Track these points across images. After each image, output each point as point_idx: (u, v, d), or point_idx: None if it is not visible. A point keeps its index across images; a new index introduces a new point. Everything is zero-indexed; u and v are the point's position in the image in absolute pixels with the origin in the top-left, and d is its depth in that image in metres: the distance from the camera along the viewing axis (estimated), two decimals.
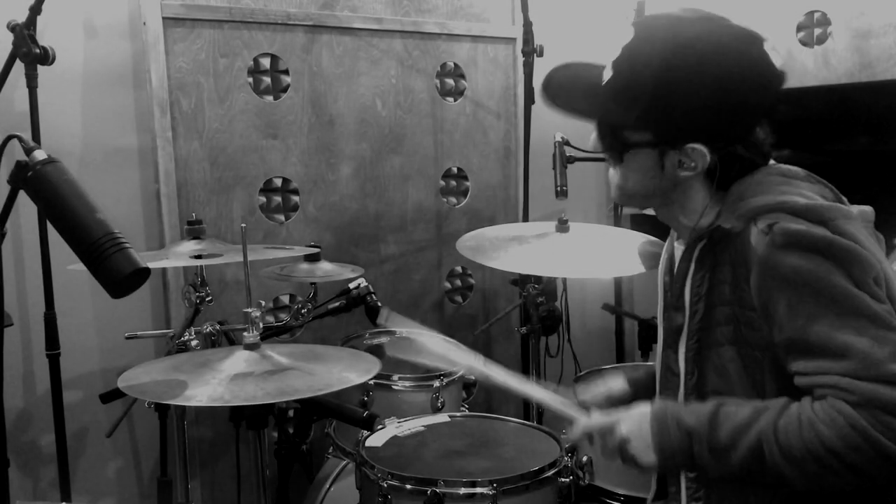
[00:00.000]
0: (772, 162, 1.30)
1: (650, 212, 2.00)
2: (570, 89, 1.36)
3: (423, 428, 1.86)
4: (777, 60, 1.24)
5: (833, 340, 1.09)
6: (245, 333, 1.48)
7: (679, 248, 1.38)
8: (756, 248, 1.15)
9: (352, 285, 2.25)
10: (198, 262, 1.94)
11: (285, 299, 2.65)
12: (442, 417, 1.94)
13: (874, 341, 1.07)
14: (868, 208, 1.26)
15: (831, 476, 1.08)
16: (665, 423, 1.20)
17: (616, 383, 1.60)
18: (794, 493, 1.18)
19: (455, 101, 2.94)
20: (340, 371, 1.45)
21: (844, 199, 1.28)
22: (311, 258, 2.28)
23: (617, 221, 3.07)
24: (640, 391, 1.56)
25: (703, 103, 1.22)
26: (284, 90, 2.58)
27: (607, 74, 1.29)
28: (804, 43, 2.72)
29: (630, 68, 1.25)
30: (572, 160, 2.41)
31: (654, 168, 1.28)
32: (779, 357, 1.16)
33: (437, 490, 1.53)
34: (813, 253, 1.11)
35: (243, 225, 1.54)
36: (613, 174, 1.36)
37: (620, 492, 2.01)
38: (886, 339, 1.07)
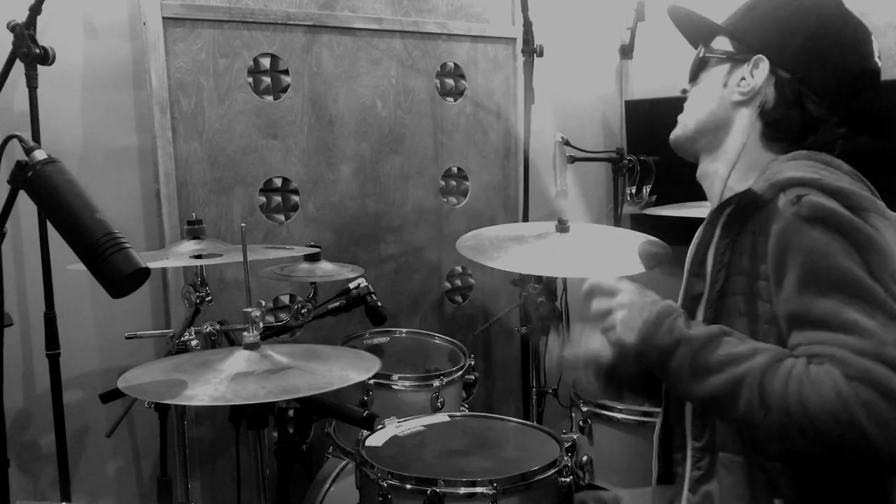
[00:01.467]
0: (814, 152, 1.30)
1: (650, 212, 2.01)
2: (692, 15, 1.44)
3: (423, 428, 1.86)
4: (876, 58, 1.28)
5: (840, 315, 1.07)
6: (245, 333, 1.49)
7: None
8: (782, 214, 1.14)
9: (352, 285, 2.25)
10: (198, 262, 1.94)
11: (285, 299, 2.65)
12: (442, 417, 1.94)
13: (881, 325, 1.05)
14: None
15: (797, 436, 1.06)
16: (662, 319, 1.19)
17: (598, 342, 1.55)
18: (799, 482, 1.18)
19: (455, 101, 2.94)
20: (341, 370, 1.45)
21: (882, 203, 1.27)
22: (311, 258, 2.28)
23: (617, 221, 3.07)
24: (622, 357, 1.54)
25: (792, 22, 1.27)
26: (284, 90, 2.58)
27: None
28: None
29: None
30: (572, 160, 2.42)
31: (718, 86, 1.33)
32: (782, 332, 1.15)
33: (437, 490, 1.54)
34: (836, 231, 1.10)
35: (243, 225, 1.54)
36: (685, 107, 1.40)
37: (620, 492, 2.01)
38: (893, 328, 1.05)
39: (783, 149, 1.29)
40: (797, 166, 1.22)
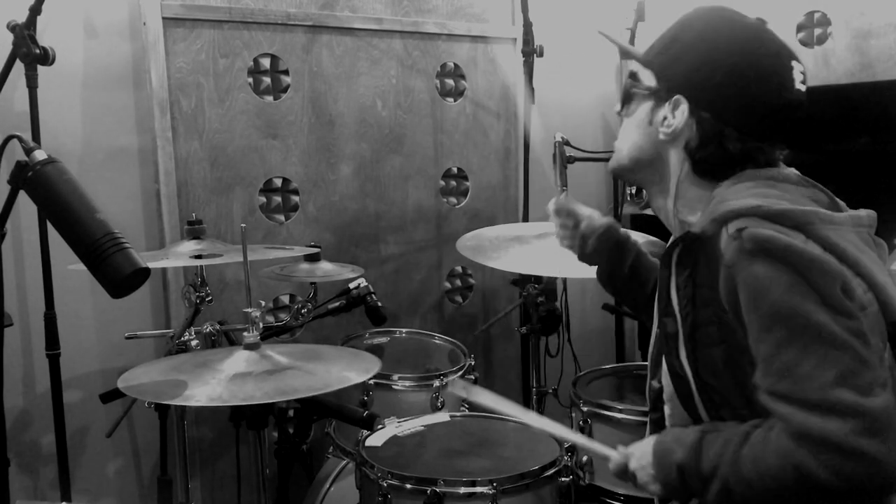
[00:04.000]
0: (760, 169, 1.28)
1: (650, 212, 2.00)
2: (624, 47, 1.44)
3: (423, 428, 1.86)
4: (798, 82, 1.25)
5: (779, 357, 1.07)
6: (245, 333, 1.49)
7: None
8: (725, 250, 1.14)
9: (352, 285, 2.25)
10: (198, 262, 1.94)
11: (285, 299, 2.65)
12: (442, 417, 1.94)
13: (819, 363, 1.04)
14: (866, 213, 1.24)
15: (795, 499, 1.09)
16: (663, 460, 1.22)
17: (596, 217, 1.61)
18: None
19: (455, 101, 2.94)
20: (340, 370, 1.45)
21: (841, 202, 1.26)
22: (311, 258, 2.28)
23: (617, 221, 3.06)
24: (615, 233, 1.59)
25: (711, 60, 1.25)
26: (284, 90, 2.58)
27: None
28: (804, 43, 2.72)
29: (682, 26, 1.32)
30: (572, 160, 2.42)
31: (644, 121, 1.32)
32: (753, 358, 1.15)
33: (437, 490, 1.54)
34: (778, 262, 1.09)
35: (243, 225, 1.54)
36: (619, 136, 1.39)
37: (620, 492, 2.01)
38: (835, 361, 1.04)
39: (720, 179, 1.27)
40: (739, 192, 1.21)
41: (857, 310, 1.08)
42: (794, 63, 1.25)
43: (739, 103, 1.24)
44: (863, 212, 1.24)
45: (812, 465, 1.03)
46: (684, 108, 1.26)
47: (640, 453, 1.28)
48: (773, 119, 1.26)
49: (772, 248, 1.09)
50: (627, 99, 1.36)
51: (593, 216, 1.60)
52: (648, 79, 1.32)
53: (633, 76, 1.36)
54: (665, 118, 1.28)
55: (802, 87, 1.26)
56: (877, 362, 1.06)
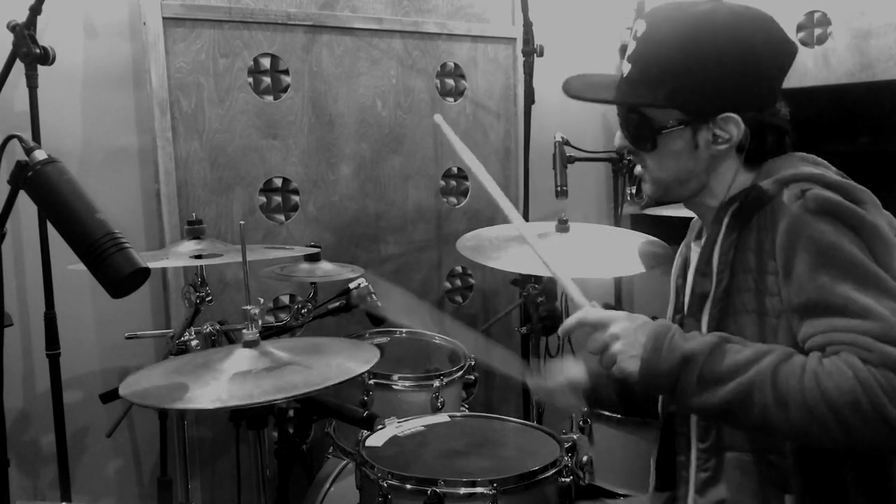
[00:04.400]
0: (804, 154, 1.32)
1: (650, 212, 2.01)
2: (592, 85, 1.38)
3: (423, 428, 1.86)
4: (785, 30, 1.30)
5: (855, 302, 1.08)
6: (244, 331, 1.48)
7: (696, 250, 1.38)
8: (788, 208, 1.16)
9: (352, 285, 2.25)
10: (198, 262, 1.94)
11: (285, 299, 2.65)
12: (442, 417, 1.94)
13: (892, 311, 1.06)
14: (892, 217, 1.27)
15: (820, 430, 1.05)
16: (661, 341, 1.16)
17: (575, 370, 1.58)
18: (808, 476, 1.18)
19: (455, 101, 2.94)
20: (340, 363, 1.45)
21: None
22: (311, 258, 2.28)
23: (617, 221, 3.07)
24: (600, 381, 1.55)
25: (728, 70, 1.24)
26: (284, 90, 2.58)
27: (627, 68, 1.32)
28: (804, 43, 2.72)
29: (649, 53, 1.28)
30: (572, 160, 2.42)
31: (687, 148, 1.29)
32: (792, 324, 1.15)
33: (437, 490, 1.53)
34: (841, 222, 1.13)
35: (242, 222, 1.54)
36: (646, 168, 1.35)
37: (620, 492, 2.01)
38: None
39: (761, 161, 1.30)
40: (795, 163, 1.25)
41: None
42: (770, 16, 1.29)
43: (767, 85, 1.28)
44: (892, 216, 1.26)
45: (886, 395, 1.01)
46: (737, 120, 1.25)
47: (631, 324, 1.21)
48: (785, 74, 1.30)
49: (837, 210, 1.13)
50: (651, 139, 1.30)
51: (569, 375, 1.57)
52: (669, 115, 1.28)
53: (644, 119, 1.29)
54: (716, 137, 1.27)
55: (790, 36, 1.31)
56: None
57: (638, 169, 1.38)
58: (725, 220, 1.28)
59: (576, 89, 1.35)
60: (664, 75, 1.26)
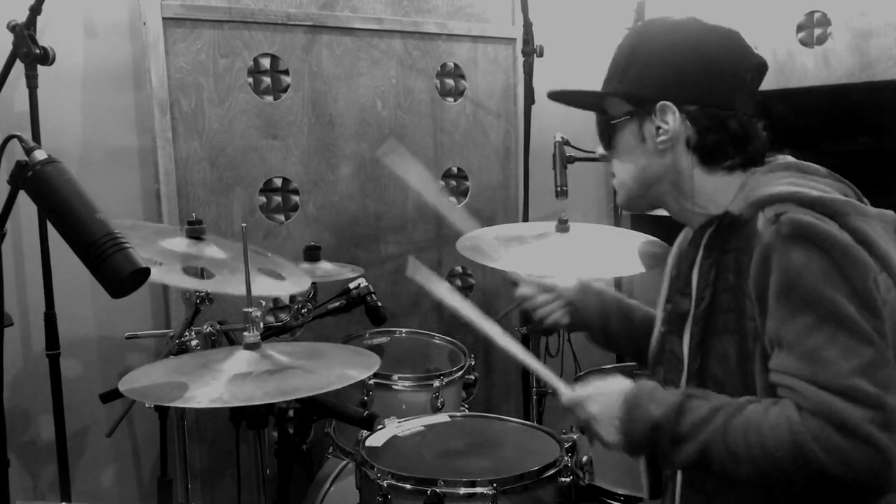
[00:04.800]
0: (791, 159, 1.31)
1: (650, 212, 1.99)
2: (574, 93, 1.46)
3: (423, 428, 1.86)
4: (754, 49, 1.30)
5: (804, 342, 1.08)
6: (245, 333, 1.48)
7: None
8: (762, 236, 1.15)
9: (352, 285, 2.25)
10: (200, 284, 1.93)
11: (285, 299, 2.65)
12: (442, 417, 1.94)
13: (844, 352, 1.06)
14: (890, 212, 1.25)
15: (771, 481, 1.11)
16: (634, 412, 1.21)
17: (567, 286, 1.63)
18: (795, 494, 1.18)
19: (455, 101, 2.94)
20: (340, 369, 1.45)
21: (866, 200, 1.27)
22: (311, 258, 2.28)
23: (617, 221, 3.07)
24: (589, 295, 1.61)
25: (671, 59, 1.28)
26: (284, 90, 2.58)
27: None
28: (804, 43, 2.72)
29: (616, 50, 1.36)
30: (572, 160, 2.42)
31: (636, 142, 1.33)
32: (766, 350, 1.16)
33: (437, 490, 1.53)
34: (814, 248, 1.10)
35: (244, 224, 1.54)
36: (613, 175, 1.40)
37: (620, 492, 2.01)
38: (857, 352, 1.06)
39: (729, 168, 1.30)
40: (774, 179, 1.23)
41: (881, 306, 1.10)
42: (739, 35, 1.30)
43: (715, 83, 1.27)
44: (888, 211, 1.25)
45: (816, 445, 1.04)
46: (672, 109, 1.27)
47: (605, 401, 1.27)
48: (749, 87, 1.30)
49: (810, 234, 1.11)
50: (608, 135, 1.37)
51: (558, 282, 1.63)
52: (620, 105, 1.34)
53: (603, 115, 1.38)
54: (658, 128, 1.29)
55: (757, 52, 1.31)
56: (891, 361, 1.08)
57: (612, 181, 1.42)
58: (702, 244, 1.29)
59: (559, 95, 1.46)
60: (617, 65, 1.34)
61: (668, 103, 1.27)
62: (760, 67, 1.31)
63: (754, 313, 1.17)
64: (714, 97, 1.28)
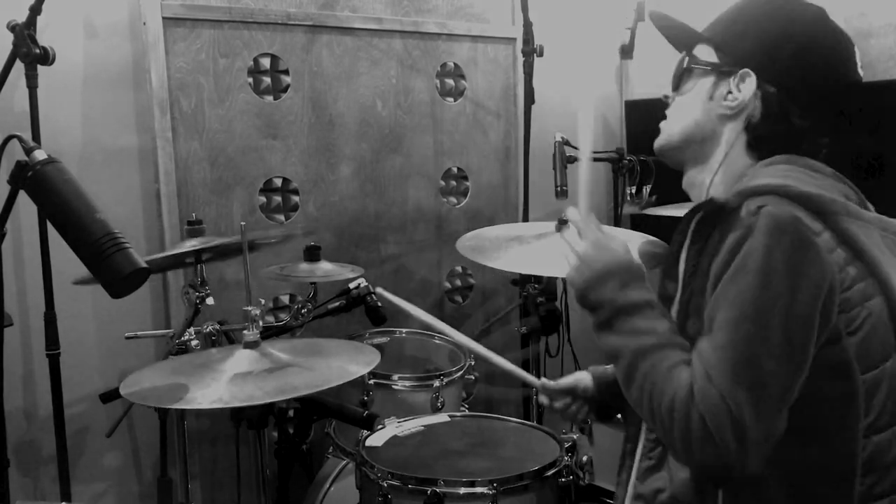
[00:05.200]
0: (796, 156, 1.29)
1: (650, 212, 2.00)
2: (675, 24, 1.44)
3: (423, 428, 1.86)
4: (859, 69, 1.29)
5: (720, 331, 1.10)
6: (245, 332, 1.48)
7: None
8: (742, 223, 1.14)
9: (352, 285, 2.25)
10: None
11: (285, 299, 2.65)
12: (442, 417, 1.94)
13: (748, 361, 1.07)
14: (894, 221, 1.24)
15: (641, 414, 1.20)
16: (609, 280, 1.25)
17: (583, 377, 1.61)
18: (740, 481, 1.18)
19: (455, 101, 2.94)
20: (340, 365, 1.45)
21: (870, 205, 1.26)
22: (311, 258, 2.28)
23: (617, 222, 3.06)
24: (603, 388, 1.57)
25: (778, 35, 1.27)
26: (284, 90, 2.58)
27: None
28: None
29: (734, 2, 1.34)
30: (572, 160, 2.41)
31: (702, 97, 1.32)
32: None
33: (437, 490, 1.54)
34: (780, 246, 1.09)
35: (243, 223, 1.54)
36: (665, 119, 1.40)
37: None
38: (758, 367, 1.07)
39: (769, 155, 1.28)
40: (770, 172, 1.22)
41: (842, 329, 1.11)
42: (854, 48, 1.28)
43: (807, 81, 1.26)
44: (891, 220, 1.24)
45: (685, 421, 1.09)
46: (752, 81, 1.26)
47: (598, 251, 1.30)
48: (835, 99, 1.29)
49: (781, 229, 1.10)
50: (684, 77, 1.36)
51: (578, 377, 1.60)
52: (709, 55, 1.32)
53: (691, 55, 1.35)
54: (730, 92, 1.28)
55: (861, 72, 1.30)
56: (790, 388, 1.09)
57: (662, 122, 1.41)
58: (691, 229, 1.29)
59: (661, 18, 1.43)
60: (728, 16, 1.32)
61: (751, 72, 1.26)
62: (853, 86, 1.30)
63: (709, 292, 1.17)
64: (798, 91, 1.26)
